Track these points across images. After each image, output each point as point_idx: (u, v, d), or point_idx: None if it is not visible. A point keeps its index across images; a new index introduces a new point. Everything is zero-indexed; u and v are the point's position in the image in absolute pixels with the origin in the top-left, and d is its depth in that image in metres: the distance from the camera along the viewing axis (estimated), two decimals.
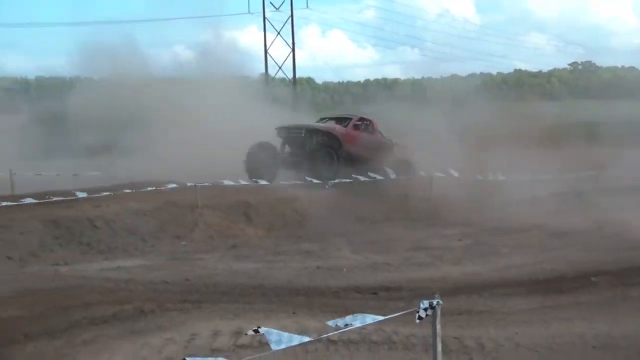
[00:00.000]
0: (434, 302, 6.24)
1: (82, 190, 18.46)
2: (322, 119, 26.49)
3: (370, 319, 6.19)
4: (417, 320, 6.22)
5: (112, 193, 18.73)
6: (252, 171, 23.62)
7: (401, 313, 6.58)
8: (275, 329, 8.26)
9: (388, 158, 24.62)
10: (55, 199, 17.79)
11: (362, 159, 24.14)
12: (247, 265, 14.38)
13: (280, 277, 13.07)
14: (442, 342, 6.50)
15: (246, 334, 6.04)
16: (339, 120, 25.57)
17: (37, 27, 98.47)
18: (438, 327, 6.29)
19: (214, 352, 7.96)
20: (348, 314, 6.57)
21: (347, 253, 15.57)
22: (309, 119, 27.15)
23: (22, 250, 15.48)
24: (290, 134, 24.50)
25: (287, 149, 24.77)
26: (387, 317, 6.41)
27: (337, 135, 24.11)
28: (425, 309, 6.19)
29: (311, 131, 24.31)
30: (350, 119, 25.26)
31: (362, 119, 25.40)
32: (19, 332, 9.16)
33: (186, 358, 5.98)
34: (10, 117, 36.42)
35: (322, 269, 13.85)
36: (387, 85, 65.52)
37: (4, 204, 17.11)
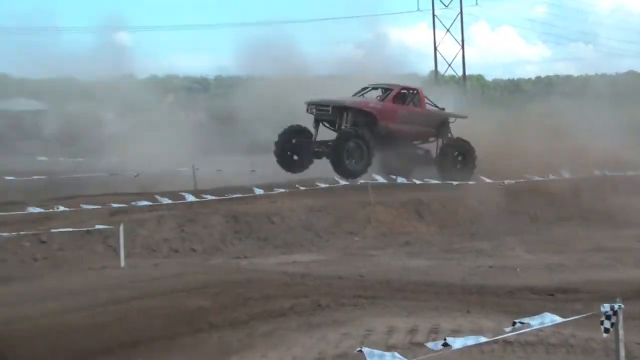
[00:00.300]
0: (616, 306, 6.10)
1: (258, 187, 19.07)
2: (364, 89, 23.12)
3: (549, 319, 6.13)
4: (604, 334, 6.10)
5: (286, 190, 19.25)
6: (282, 160, 22.00)
7: (582, 316, 6.47)
8: (449, 327, 8.38)
9: (443, 134, 22.53)
10: (234, 195, 18.52)
11: (405, 136, 22.00)
12: (420, 263, 14.49)
13: (453, 275, 13.09)
14: (625, 347, 6.35)
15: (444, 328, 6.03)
16: (385, 90, 22.67)
17: (217, 28, 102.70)
18: (621, 332, 6.15)
19: (390, 348, 7.98)
20: (522, 314, 6.51)
21: (520, 252, 15.39)
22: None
23: (206, 244, 16.39)
24: (318, 111, 21.50)
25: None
26: (567, 319, 6.32)
27: (371, 112, 21.40)
28: (609, 318, 6.04)
29: (339, 108, 21.23)
30: (391, 90, 22.48)
31: (405, 89, 22.85)
32: (204, 322, 9.61)
33: (356, 350, 6.05)
34: (193, 115, 38.33)
35: (495, 268, 13.76)
36: (558, 82, 63.39)
37: (190, 199, 18.05)
